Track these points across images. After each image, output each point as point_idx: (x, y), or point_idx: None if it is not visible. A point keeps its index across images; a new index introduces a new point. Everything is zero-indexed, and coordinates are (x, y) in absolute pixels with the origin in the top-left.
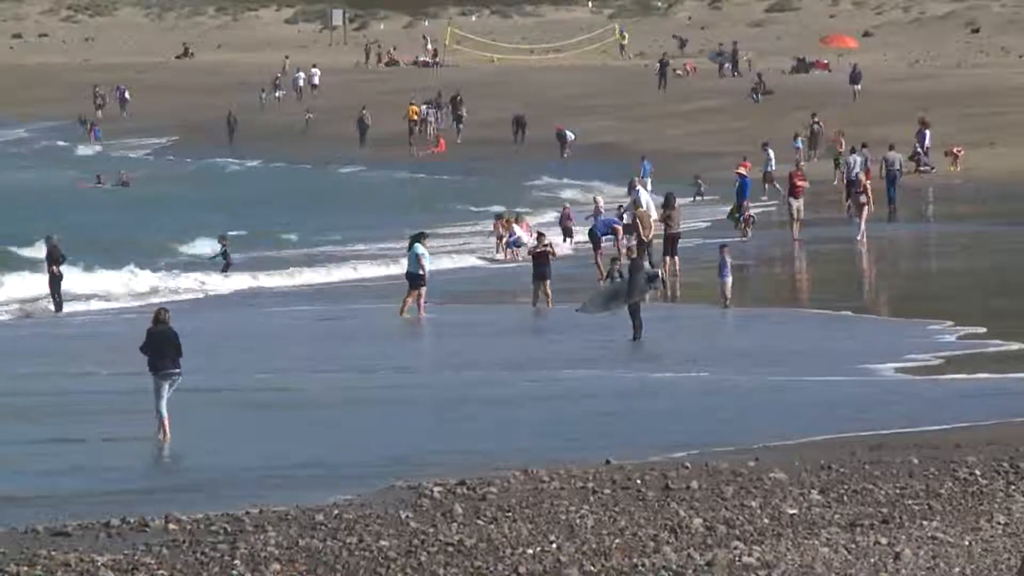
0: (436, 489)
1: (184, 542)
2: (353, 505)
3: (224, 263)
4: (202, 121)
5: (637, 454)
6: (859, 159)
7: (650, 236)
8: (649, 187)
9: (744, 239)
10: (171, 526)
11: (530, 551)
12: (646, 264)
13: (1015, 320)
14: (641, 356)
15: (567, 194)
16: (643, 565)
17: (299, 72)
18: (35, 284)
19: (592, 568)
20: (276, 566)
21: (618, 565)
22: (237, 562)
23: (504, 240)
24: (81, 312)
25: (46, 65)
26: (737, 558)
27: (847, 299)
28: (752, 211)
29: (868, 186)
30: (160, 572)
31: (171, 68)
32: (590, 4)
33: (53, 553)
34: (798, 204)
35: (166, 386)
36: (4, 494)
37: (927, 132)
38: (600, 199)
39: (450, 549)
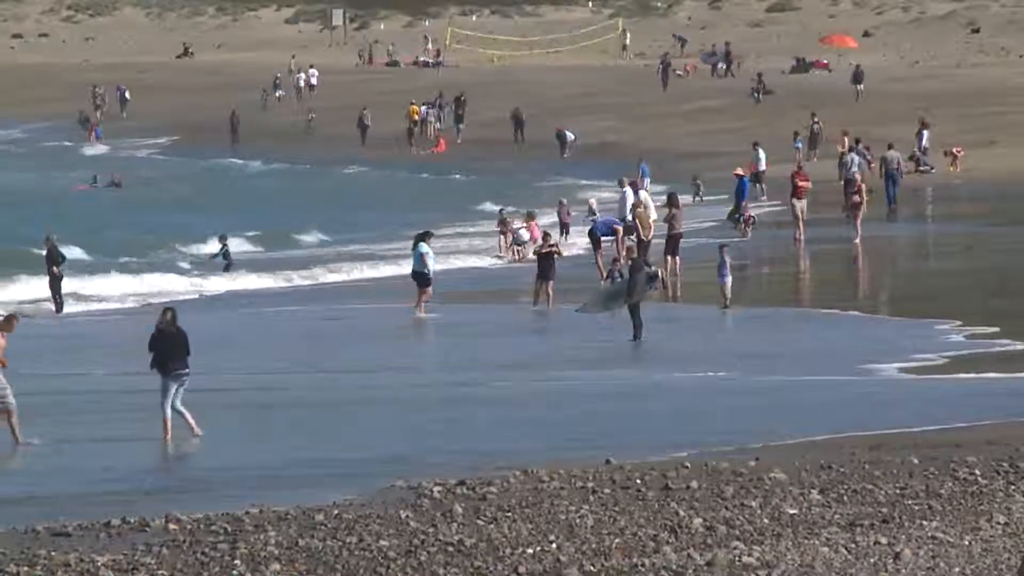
0: (436, 489)
1: (184, 542)
2: (353, 505)
3: (225, 263)
4: (202, 121)
5: (637, 454)
6: (857, 159)
7: (650, 236)
8: (648, 186)
9: (743, 239)
10: (171, 526)
11: (530, 551)
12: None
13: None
14: (641, 356)
15: (582, 194)
16: (643, 565)
17: (300, 72)
18: (36, 285)
19: (592, 568)
20: (276, 566)
21: (618, 565)
22: (237, 562)
23: (510, 240)
24: (81, 313)
25: (46, 65)
26: (737, 558)
27: (852, 299)
28: (752, 212)
29: (863, 186)
30: (160, 572)
31: (171, 68)
32: (590, 4)
33: (53, 553)
34: (801, 205)
35: (174, 386)
36: (4, 494)
37: (925, 132)
38: (594, 201)
39: (450, 549)
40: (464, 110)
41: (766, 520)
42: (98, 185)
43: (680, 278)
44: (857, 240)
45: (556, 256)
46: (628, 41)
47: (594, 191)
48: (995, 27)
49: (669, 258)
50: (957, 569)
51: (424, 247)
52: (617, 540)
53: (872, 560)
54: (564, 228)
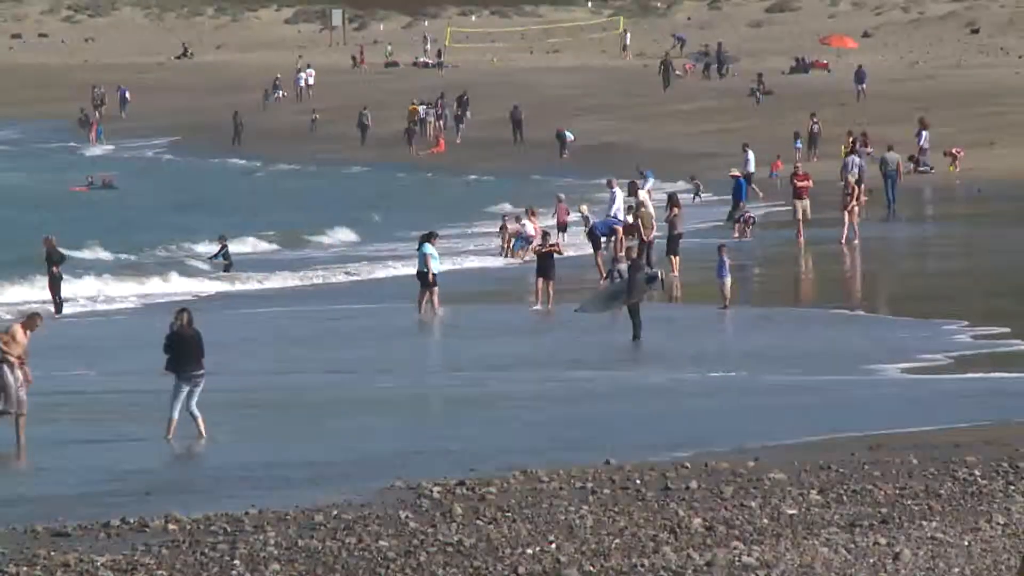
0: (435, 489)
1: (184, 542)
2: (352, 505)
3: (225, 263)
4: (202, 122)
5: (637, 454)
6: (857, 160)
7: (651, 237)
8: (651, 186)
9: (739, 238)
10: (171, 526)
11: (529, 551)
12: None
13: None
14: (641, 356)
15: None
16: (643, 565)
17: (300, 72)
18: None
19: (591, 568)
20: (276, 566)
21: (618, 565)
22: (237, 562)
23: (511, 240)
24: (81, 313)
25: (46, 65)
26: (737, 558)
27: (856, 300)
28: (752, 212)
29: (856, 188)
30: (160, 572)
31: (171, 68)
32: (590, 4)
33: (53, 553)
34: (803, 205)
35: (187, 387)
36: (4, 494)
37: (925, 132)
38: (585, 208)
39: (449, 549)
40: (466, 110)
41: (765, 520)
42: (94, 185)
43: (679, 277)
44: (852, 241)
45: (556, 255)
46: (628, 41)
47: (591, 192)
48: (995, 27)
49: (672, 257)
50: (956, 569)
51: (428, 248)
52: (617, 541)
53: (871, 560)
54: (562, 227)
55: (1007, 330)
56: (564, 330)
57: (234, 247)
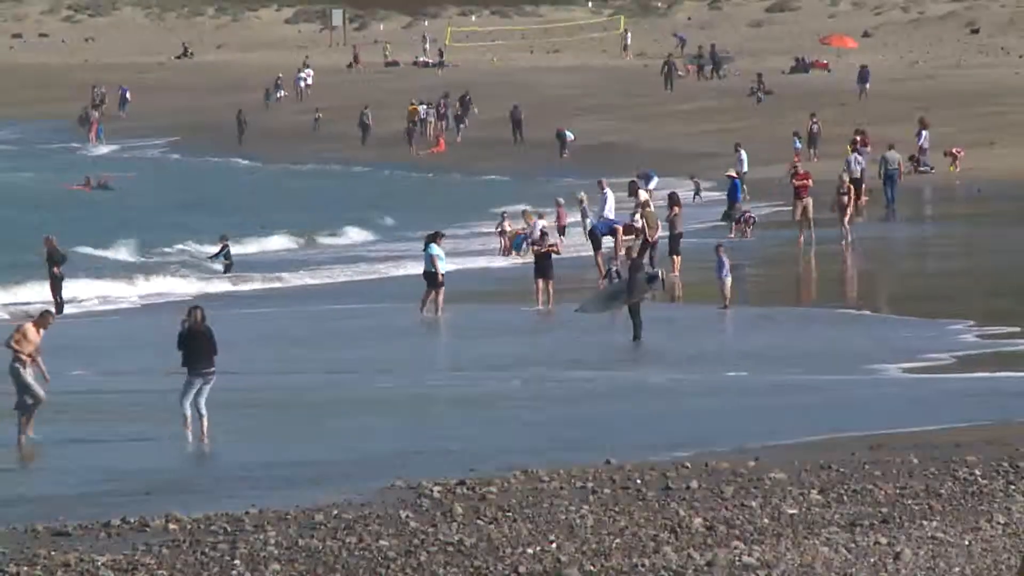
0: (436, 489)
1: (184, 542)
2: (353, 505)
3: (226, 263)
4: (202, 122)
5: (637, 454)
6: (856, 158)
7: (655, 237)
8: (655, 185)
9: (733, 238)
10: (171, 526)
11: (530, 551)
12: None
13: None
14: (641, 356)
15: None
16: (643, 565)
17: (301, 72)
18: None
19: (592, 568)
20: (276, 566)
21: (618, 565)
22: (237, 562)
23: (510, 241)
24: (81, 313)
25: (46, 65)
26: (737, 558)
27: (859, 299)
28: (752, 212)
29: (852, 188)
30: (160, 572)
31: (171, 68)
32: (590, 4)
33: (53, 553)
34: (804, 204)
35: (199, 383)
36: (4, 494)
37: (924, 132)
38: (584, 195)
39: (450, 549)
40: (468, 110)
41: (766, 520)
42: (92, 185)
43: (679, 276)
44: (844, 240)
45: (554, 254)
46: (629, 41)
47: (591, 191)
48: (995, 27)
49: (674, 258)
50: (957, 569)
51: (434, 248)
52: (617, 540)
53: (872, 560)
54: (561, 231)
55: (1016, 329)
56: (564, 330)
57: (241, 248)
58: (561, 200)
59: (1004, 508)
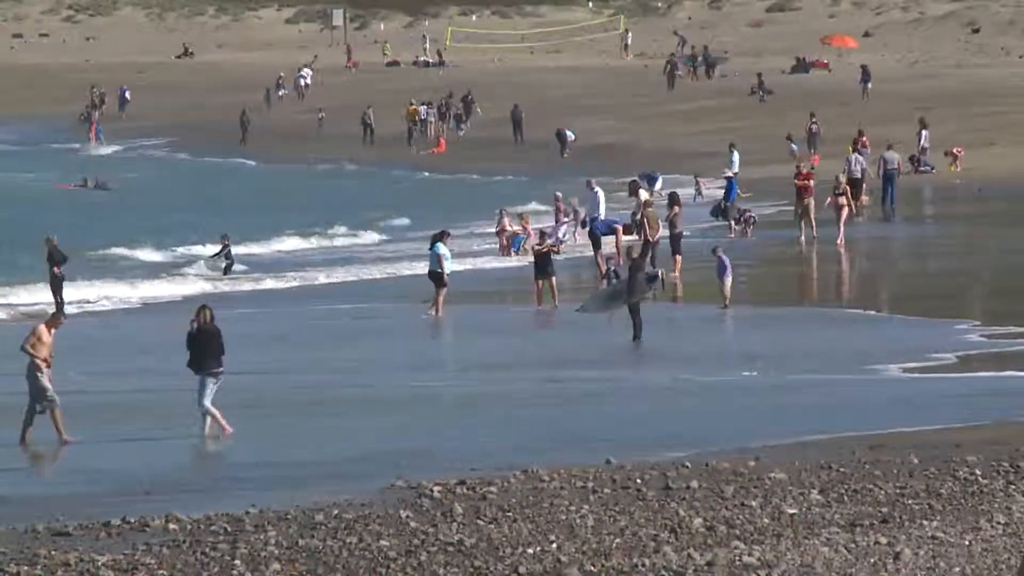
0: (436, 489)
1: (184, 542)
2: (353, 505)
3: (226, 263)
4: (203, 121)
5: (637, 454)
6: (856, 158)
7: (656, 237)
8: (660, 186)
9: (733, 237)
10: (171, 526)
11: (530, 551)
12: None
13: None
14: (641, 356)
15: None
16: (643, 565)
17: (301, 72)
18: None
19: (592, 568)
20: (276, 566)
21: (618, 565)
22: (237, 562)
23: (509, 241)
24: (82, 314)
25: (46, 65)
26: (737, 558)
27: (859, 299)
28: (752, 212)
29: (848, 188)
30: (160, 572)
31: (171, 68)
32: (590, 4)
33: (53, 553)
34: (807, 203)
35: (212, 382)
36: (4, 494)
37: (925, 132)
38: (575, 200)
39: (450, 549)
40: (470, 110)
41: (766, 520)
42: (90, 186)
43: (680, 276)
44: (839, 242)
45: (554, 253)
46: (629, 41)
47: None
48: (995, 27)
49: (676, 257)
50: (957, 569)
51: (441, 248)
52: (617, 540)
53: (872, 560)
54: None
55: (1019, 329)
56: (564, 330)
57: (254, 248)
58: (559, 195)
59: (1004, 508)
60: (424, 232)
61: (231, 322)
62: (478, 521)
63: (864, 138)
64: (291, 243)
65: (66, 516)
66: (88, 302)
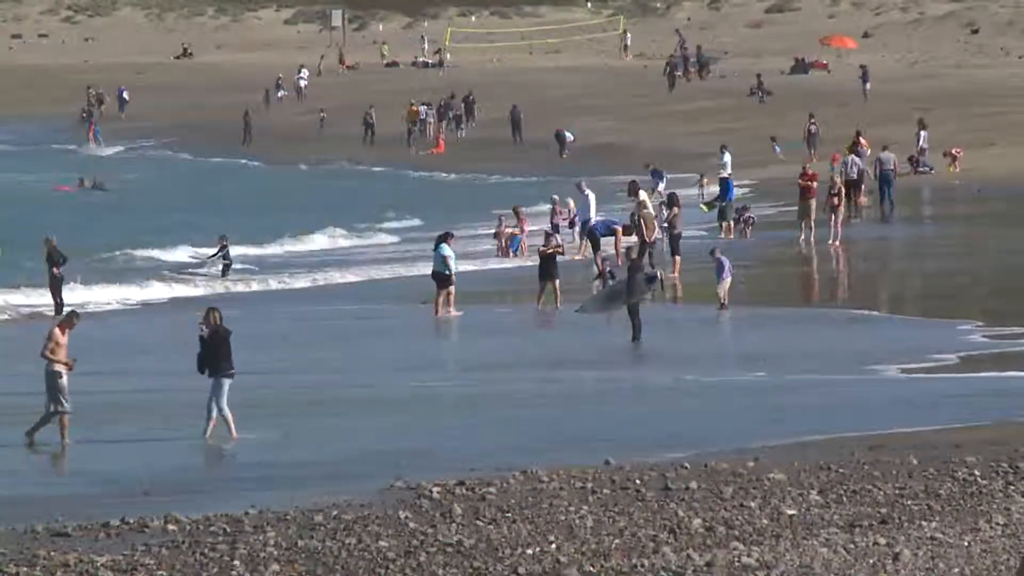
0: (435, 489)
1: (184, 542)
2: (352, 505)
3: (224, 263)
4: (203, 122)
5: (637, 454)
6: (854, 159)
7: (652, 238)
8: (664, 186)
9: (728, 237)
10: (171, 526)
11: (529, 551)
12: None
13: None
14: (641, 356)
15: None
16: (642, 566)
17: (301, 72)
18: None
19: (591, 569)
20: (275, 566)
21: (617, 566)
22: (237, 562)
23: (508, 241)
24: (83, 314)
25: (46, 66)
26: (736, 559)
27: (859, 299)
28: (752, 213)
29: (843, 189)
30: (160, 572)
31: (170, 69)
32: (589, 4)
33: (53, 553)
34: (809, 203)
35: (227, 384)
36: (4, 494)
37: (923, 133)
38: (572, 202)
39: (449, 550)
40: (472, 111)
41: (765, 521)
42: (87, 186)
43: (679, 276)
44: (833, 242)
45: (559, 255)
46: (629, 41)
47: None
48: (995, 28)
49: (675, 258)
50: (956, 570)
51: (446, 249)
52: (616, 541)
53: (871, 561)
54: (555, 228)
55: (1020, 329)
56: (564, 330)
57: (248, 249)
58: (556, 198)
59: (1003, 508)
60: (427, 234)
61: (231, 322)
62: (477, 522)
63: (862, 139)
64: (291, 244)
65: (65, 517)
66: (88, 303)
